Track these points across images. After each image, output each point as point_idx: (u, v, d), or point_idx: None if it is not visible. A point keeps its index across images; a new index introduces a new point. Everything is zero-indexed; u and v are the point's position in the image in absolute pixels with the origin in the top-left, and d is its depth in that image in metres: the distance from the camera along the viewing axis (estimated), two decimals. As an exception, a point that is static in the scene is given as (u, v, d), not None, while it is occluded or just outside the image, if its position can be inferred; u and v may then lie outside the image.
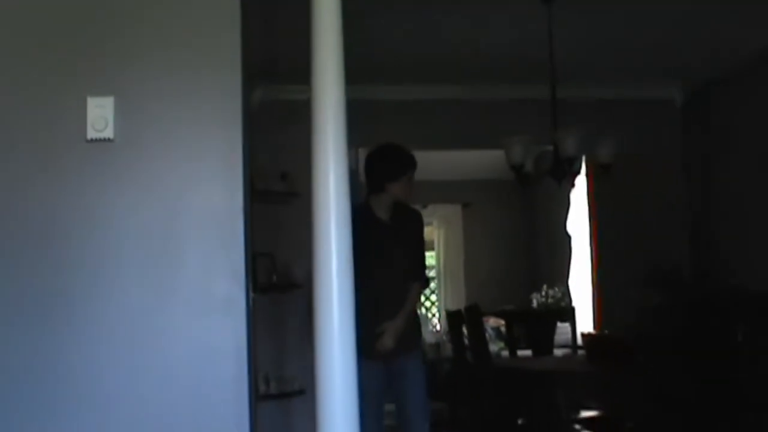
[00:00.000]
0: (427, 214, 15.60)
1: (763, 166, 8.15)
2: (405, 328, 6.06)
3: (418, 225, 6.42)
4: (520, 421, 7.25)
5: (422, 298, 16.83)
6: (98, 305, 3.48)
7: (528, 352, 8.71)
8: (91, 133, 3.50)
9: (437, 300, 16.11)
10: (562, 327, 9.14)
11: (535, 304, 12.77)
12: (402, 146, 6.28)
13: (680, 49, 8.19)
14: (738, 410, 6.10)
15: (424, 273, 6.44)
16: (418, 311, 6.69)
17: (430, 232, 16.23)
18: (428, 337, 12.48)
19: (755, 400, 6.05)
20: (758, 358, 6.19)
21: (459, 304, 9.06)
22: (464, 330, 7.71)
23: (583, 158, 8.10)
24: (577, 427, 7.14)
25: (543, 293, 12.75)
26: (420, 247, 6.42)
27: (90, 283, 3.49)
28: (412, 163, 6.21)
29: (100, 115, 3.51)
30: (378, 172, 6.20)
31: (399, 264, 6.18)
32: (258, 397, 7.52)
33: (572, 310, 9.80)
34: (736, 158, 8.77)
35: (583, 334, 7.97)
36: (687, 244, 9.44)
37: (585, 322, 10.06)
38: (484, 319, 8.38)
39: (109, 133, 3.51)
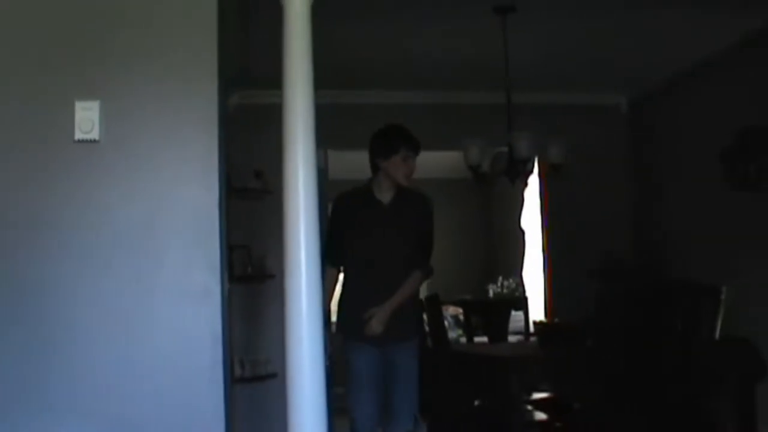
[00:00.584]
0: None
1: (698, 166, 8.21)
2: (397, 315, 5.51)
3: (422, 210, 5.83)
4: (476, 403, 7.28)
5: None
6: (85, 297, 3.50)
7: (484, 339, 8.75)
8: (78, 135, 3.52)
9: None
10: (516, 315, 9.18)
11: (491, 294, 12.78)
12: (402, 126, 5.73)
13: (626, 60, 8.24)
14: (673, 391, 6.16)
15: (425, 261, 5.77)
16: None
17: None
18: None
19: (690, 379, 6.11)
20: (692, 341, 6.25)
21: (420, 293, 9.10)
22: (425, 317, 7.70)
23: (536, 159, 8.13)
24: (529, 408, 7.18)
25: (498, 284, 12.77)
26: (424, 233, 5.78)
27: (77, 275, 3.50)
28: (406, 142, 5.63)
29: (87, 118, 3.52)
30: (373, 151, 5.70)
31: (397, 249, 5.62)
32: (234, 379, 7.52)
33: (525, 299, 9.85)
34: (675, 160, 8.84)
35: (535, 322, 8.02)
36: (631, 239, 9.50)
37: (537, 310, 10.10)
38: (444, 307, 8.38)
39: (95, 134, 3.53)
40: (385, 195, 5.68)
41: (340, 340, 5.63)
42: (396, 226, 5.64)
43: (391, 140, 5.65)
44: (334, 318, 5.82)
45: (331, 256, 5.43)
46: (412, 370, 5.61)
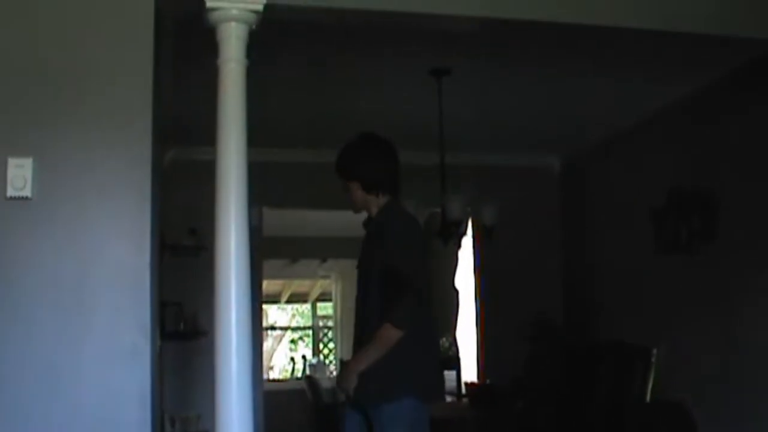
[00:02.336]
0: (326, 268, 15.67)
1: (629, 228, 8.31)
2: (367, 373, 4.37)
3: (381, 234, 4.55)
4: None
5: (328, 347, 16.79)
6: (12, 354, 3.48)
7: (416, 399, 8.70)
8: (10, 191, 3.52)
9: (334, 348, 16.18)
10: (449, 375, 9.17)
11: (424, 353, 12.76)
12: (353, 141, 4.94)
13: (558, 123, 8.35)
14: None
15: (392, 306, 4.30)
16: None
17: (329, 285, 16.28)
18: (324, 383, 12.46)
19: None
20: (623, 402, 6.29)
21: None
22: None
23: (470, 220, 8.18)
24: (460, 468, 7.17)
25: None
26: (384, 266, 4.42)
27: (4, 332, 3.47)
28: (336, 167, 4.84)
29: (20, 175, 3.52)
30: None
31: (365, 292, 4.55)
32: (163, 437, 7.45)
33: (458, 359, 9.84)
34: (606, 221, 8.94)
35: (466, 384, 8.03)
36: (564, 300, 9.57)
37: (470, 370, 10.11)
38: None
39: (27, 191, 3.52)
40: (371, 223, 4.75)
41: None
42: (364, 262, 4.66)
43: None
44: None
45: None
46: None
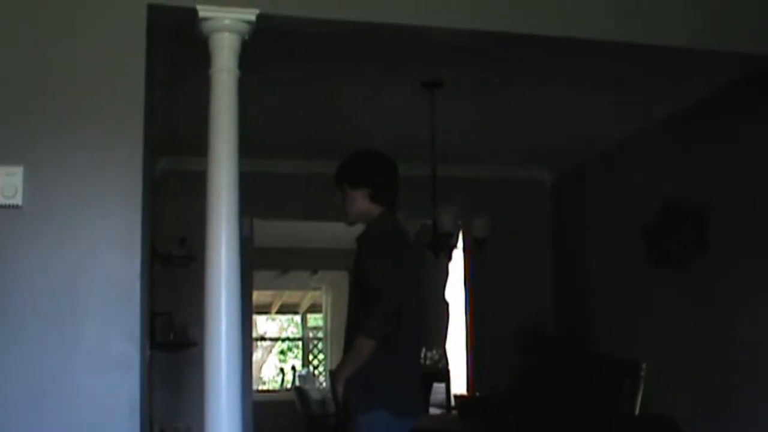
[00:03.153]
0: (316, 279, 15.65)
1: (620, 242, 8.31)
2: (344, 386, 4.39)
3: (361, 246, 4.58)
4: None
5: (316, 359, 16.77)
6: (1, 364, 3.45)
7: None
8: (1, 200, 3.51)
9: (324, 359, 16.16)
10: (438, 387, 9.16)
11: (414, 365, 12.74)
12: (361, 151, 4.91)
13: (550, 136, 8.35)
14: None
15: (366, 316, 4.28)
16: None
17: (319, 296, 16.26)
18: (314, 394, 12.47)
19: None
20: (612, 416, 6.28)
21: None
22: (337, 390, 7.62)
23: (461, 232, 8.17)
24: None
25: (422, 355, 12.76)
26: (362, 280, 4.42)
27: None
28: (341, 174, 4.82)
29: (10, 183, 3.50)
30: None
31: (351, 301, 4.63)
32: (152, 448, 7.42)
33: (448, 372, 9.84)
34: (597, 235, 8.93)
35: (455, 396, 8.02)
36: (554, 313, 9.56)
37: (459, 383, 10.10)
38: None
39: (17, 200, 3.51)
40: None
41: None
42: (354, 272, 4.65)
43: None
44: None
45: None
46: None
